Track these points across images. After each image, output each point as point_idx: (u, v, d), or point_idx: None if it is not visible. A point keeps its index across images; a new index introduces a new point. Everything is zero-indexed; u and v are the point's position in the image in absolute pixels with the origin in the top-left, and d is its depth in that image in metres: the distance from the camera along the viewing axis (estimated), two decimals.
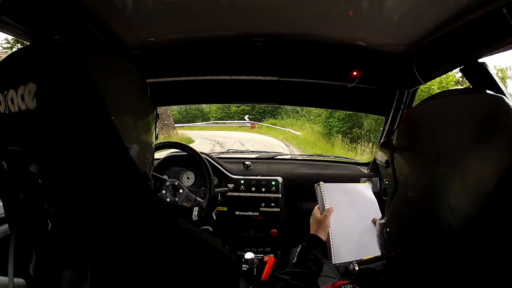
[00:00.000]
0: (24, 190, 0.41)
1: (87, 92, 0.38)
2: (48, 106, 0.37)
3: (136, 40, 1.03)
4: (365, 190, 0.97)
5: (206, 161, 1.24)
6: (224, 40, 1.06)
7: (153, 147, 0.54)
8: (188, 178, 1.48)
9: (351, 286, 0.51)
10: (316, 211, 0.88)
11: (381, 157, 0.55)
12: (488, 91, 0.45)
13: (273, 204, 1.41)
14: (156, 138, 0.55)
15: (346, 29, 0.95)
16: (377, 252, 0.84)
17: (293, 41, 1.04)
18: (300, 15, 0.86)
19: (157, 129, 0.55)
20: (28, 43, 0.73)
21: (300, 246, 0.80)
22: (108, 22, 0.88)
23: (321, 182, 0.93)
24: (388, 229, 0.51)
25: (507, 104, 0.41)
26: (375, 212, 0.92)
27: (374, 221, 0.88)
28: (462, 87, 0.61)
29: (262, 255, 1.35)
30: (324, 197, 0.90)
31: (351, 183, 0.99)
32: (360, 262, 0.66)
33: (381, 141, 0.55)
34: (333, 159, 1.82)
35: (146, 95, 0.51)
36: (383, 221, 0.54)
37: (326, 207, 0.88)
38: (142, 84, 0.50)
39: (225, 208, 1.42)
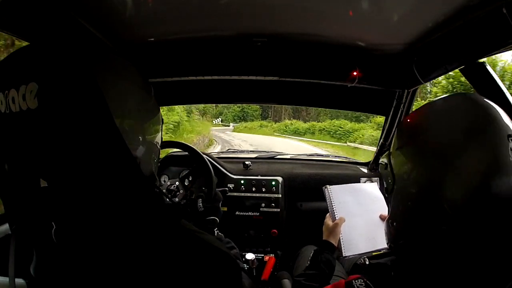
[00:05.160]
0: (26, 191, 0.41)
1: (89, 92, 0.37)
2: (50, 106, 0.36)
3: (136, 40, 1.03)
4: (371, 188, 1.00)
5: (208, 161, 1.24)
6: (224, 40, 1.05)
7: (159, 147, 0.54)
8: (188, 178, 1.48)
9: (363, 281, 0.53)
10: (327, 219, 0.91)
11: (382, 160, 0.62)
12: (480, 97, 0.51)
13: (273, 204, 1.40)
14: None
15: (346, 29, 0.95)
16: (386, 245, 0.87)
17: (293, 41, 1.04)
18: (300, 15, 0.86)
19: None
20: (27, 43, 0.73)
21: (313, 251, 0.84)
22: (108, 22, 0.87)
23: (328, 186, 0.96)
24: (391, 221, 0.57)
25: (494, 110, 0.47)
26: (383, 208, 0.94)
27: (382, 217, 0.91)
28: (457, 93, 0.70)
29: (263, 255, 1.35)
30: (332, 199, 0.93)
31: (357, 183, 1.02)
32: (370, 257, 0.69)
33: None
34: (333, 159, 1.82)
35: (150, 95, 0.51)
36: (388, 215, 0.59)
37: (335, 212, 0.91)
38: (145, 85, 0.50)
39: (225, 208, 1.41)
